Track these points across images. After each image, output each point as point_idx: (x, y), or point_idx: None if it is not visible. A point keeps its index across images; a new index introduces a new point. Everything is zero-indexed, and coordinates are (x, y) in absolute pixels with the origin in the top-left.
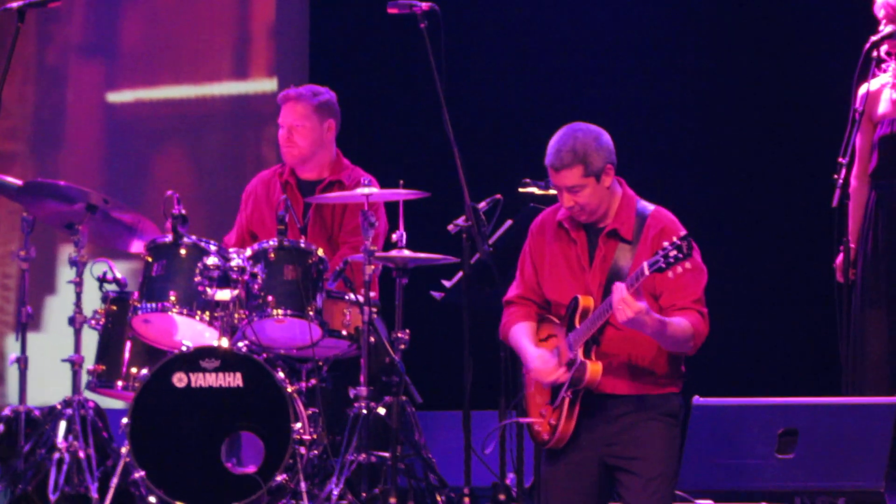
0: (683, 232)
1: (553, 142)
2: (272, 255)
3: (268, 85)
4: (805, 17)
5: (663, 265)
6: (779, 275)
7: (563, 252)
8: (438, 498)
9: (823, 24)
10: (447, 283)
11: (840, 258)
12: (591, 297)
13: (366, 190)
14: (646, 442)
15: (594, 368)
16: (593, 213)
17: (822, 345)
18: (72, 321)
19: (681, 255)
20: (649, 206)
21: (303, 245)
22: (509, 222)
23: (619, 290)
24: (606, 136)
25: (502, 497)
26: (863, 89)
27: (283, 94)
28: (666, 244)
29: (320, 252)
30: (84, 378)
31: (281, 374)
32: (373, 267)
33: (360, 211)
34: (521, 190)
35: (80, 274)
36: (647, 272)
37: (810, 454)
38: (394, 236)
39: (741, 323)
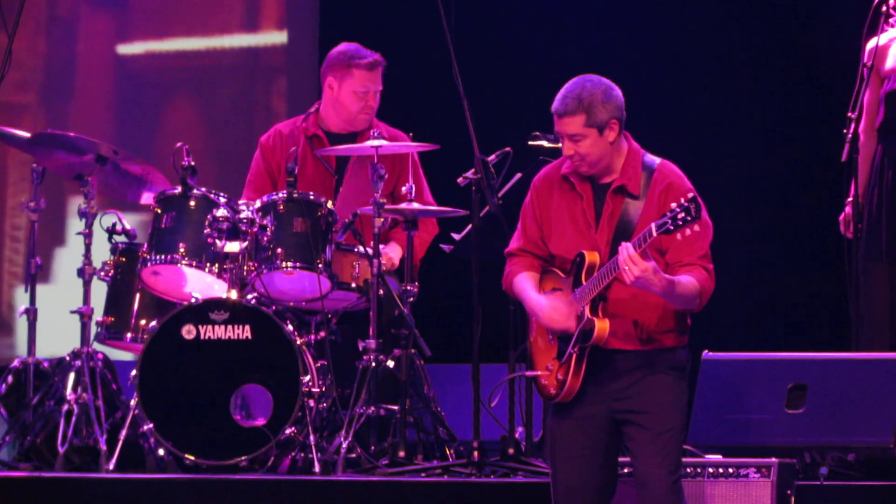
0: (692, 192)
1: (562, 89)
2: (281, 207)
3: (278, 37)
4: None
5: (671, 227)
6: (789, 229)
7: (568, 207)
8: (448, 451)
9: None
10: (456, 236)
11: (845, 212)
12: (597, 252)
13: (375, 142)
14: (654, 396)
15: (602, 325)
16: (594, 165)
17: (832, 299)
18: (81, 273)
19: (689, 218)
20: (656, 160)
21: (312, 197)
22: (519, 175)
23: (626, 249)
24: (617, 92)
25: (511, 450)
26: (871, 44)
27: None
28: (674, 205)
29: (330, 204)
30: (93, 330)
31: (290, 327)
32: (382, 219)
33: (370, 163)
34: (530, 143)
35: (89, 225)
36: (654, 233)
37: (820, 409)
38: (403, 189)
39: (751, 277)
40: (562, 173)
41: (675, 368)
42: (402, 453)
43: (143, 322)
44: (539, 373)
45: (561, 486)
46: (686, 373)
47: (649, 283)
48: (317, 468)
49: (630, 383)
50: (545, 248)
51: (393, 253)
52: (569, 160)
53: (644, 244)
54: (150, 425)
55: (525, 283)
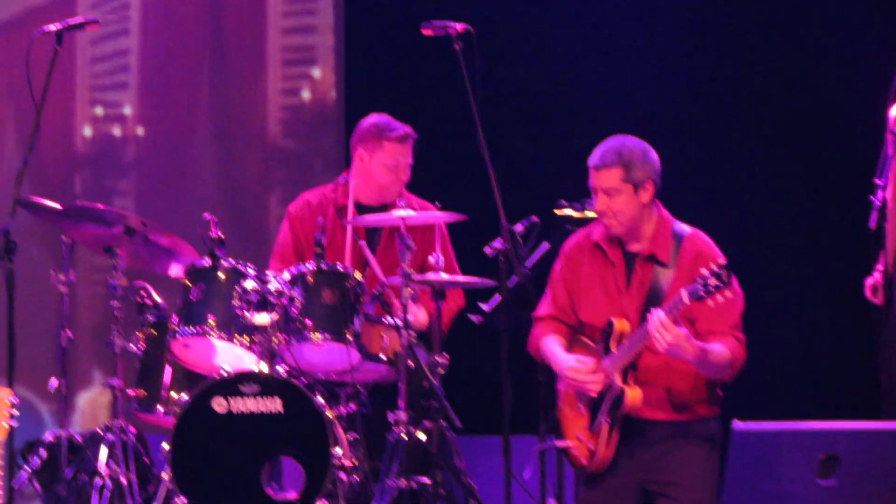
0: (722, 259)
1: (600, 144)
2: (310, 279)
3: (301, 106)
4: (841, 37)
5: (703, 293)
6: (818, 296)
7: (599, 274)
8: None
9: (860, 44)
10: (485, 307)
11: (871, 279)
12: (626, 320)
13: (402, 212)
14: (685, 467)
15: (633, 394)
16: (625, 225)
17: (863, 368)
18: (111, 345)
19: (721, 284)
20: (686, 229)
21: (340, 268)
22: (546, 245)
23: (657, 315)
24: (655, 155)
25: None
26: (894, 111)
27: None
28: (705, 272)
29: (358, 275)
30: (125, 403)
31: (320, 399)
32: (410, 290)
33: (397, 234)
34: (557, 212)
35: (119, 298)
36: (686, 301)
37: (852, 480)
38: (430, 259)
39: (781, 345)
40: (593, 240)
41: (707, 439)
42: None
43: (174, 395)
44: (570, 443)
45: None
46: (718, 443)
47: (682, 350)
48: None
49: (662, 454)
50: (574, 316)
51: (419, 313)
52: (600, 225)
53: (675, 311)
54: (183, 499)
55: (551, 344)
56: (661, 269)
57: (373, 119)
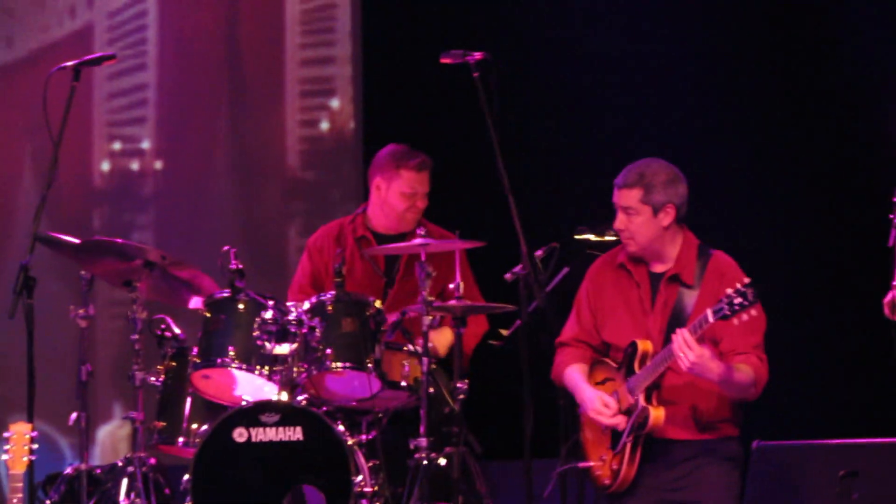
0: (747, 279)
1: (630, 164)
2: (330, 308)
3: (320, 137)
4: (864, 57)
5: (728, 312)
6: (837, 314)
7: (623, 294)
8: None
9: (884, 62)
10: (505, 332)
11: (889, 296)
12: (650, 341)
13: (422, 241)
14: (708, 486)
15: (657, 414)
16: (642, 246)
17: (882, 385)
18: (132, 378)
19: (746, 303)
20: (711, 251)
21: (360, 297)
22: (566, 269)
23: (682, 334)
24: (682, 182)
25: None
26: None
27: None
28: (730, 291)
29: (378, 304)
30: (145, 435)
31: (341, 427)
32: (430, 317)
33: (417, 262)
34: (577, 237)
35: (138, 331)
36: (710, 319)
37: (872, 495)
38: (451, 286)
39: (800, 364)
40: (618, 261)
41: (730, 459)
42: None
43: (194, 426)
44: (593, 463)
45: None
46: (739, 463)
47: (705, 369)
48: None
49: (684, 473)
50: (598, 337)
51: (442, 337)
52: (624, 248)
53: (700, 330)
54: None
55: (575, 376)
56: (685, 289)
57: (389, 149)
